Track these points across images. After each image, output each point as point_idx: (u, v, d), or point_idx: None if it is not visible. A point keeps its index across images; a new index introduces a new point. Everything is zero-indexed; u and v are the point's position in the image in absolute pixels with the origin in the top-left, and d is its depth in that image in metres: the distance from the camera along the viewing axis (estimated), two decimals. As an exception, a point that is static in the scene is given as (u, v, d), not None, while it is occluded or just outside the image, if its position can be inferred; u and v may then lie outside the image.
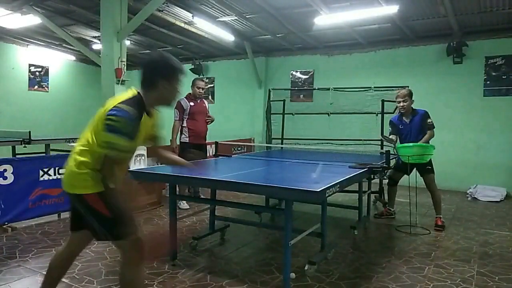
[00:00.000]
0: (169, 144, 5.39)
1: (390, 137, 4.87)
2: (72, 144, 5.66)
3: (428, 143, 4.60)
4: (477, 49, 7.16)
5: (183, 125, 5.39)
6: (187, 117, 5.38)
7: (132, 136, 1.94)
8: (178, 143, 5.49)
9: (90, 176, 2.02)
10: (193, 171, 2.54)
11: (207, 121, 5.61)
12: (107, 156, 1.94)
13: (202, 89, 5.54)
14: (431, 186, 4.67)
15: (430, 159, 4.57)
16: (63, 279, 2.47)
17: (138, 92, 2.07)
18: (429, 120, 4.67)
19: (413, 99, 4.76)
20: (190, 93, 5.51)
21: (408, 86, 5.39)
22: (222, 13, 6.81)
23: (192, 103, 5.41)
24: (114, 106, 1.94)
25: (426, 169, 4.62)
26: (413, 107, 4.77)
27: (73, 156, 2.08)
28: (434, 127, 4.66)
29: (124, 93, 2.08)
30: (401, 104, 4.71)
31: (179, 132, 5.46)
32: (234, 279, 3.05)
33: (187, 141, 5.37)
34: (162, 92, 2.07)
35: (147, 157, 5.24)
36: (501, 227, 4.80)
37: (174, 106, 5.39)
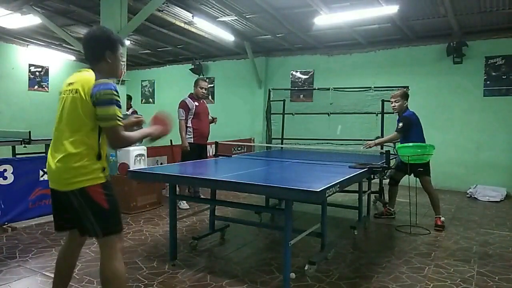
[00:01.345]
0: (180, 143, 5.41)
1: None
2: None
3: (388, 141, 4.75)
4: (477, 49, 7.16)
5: (188, 125, 5.38)
6: (191, 117, 5.37)
7: (121, 105, 2.05)
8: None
9: (93, 166, 2.02)
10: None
11: (212, 121, 5.64)
12: (111, 130, 2.00)
13: (205, 89, 5.55)
14: (427, 187, 4.68)
15: (428, 161, 4.57)
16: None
17: (91, 69, 2.12)
18: (399, 124, 4.72)
19: (407, 100, 4.81)
20: (192, 93, 5.51)
21: (408, 86, 5.41)
22: (222, 13, 6.81)
23: (196, 103, 5.41)
24: (96, 84, 1.99)
25: (418, 171, 4.62)
26: (408, 108, 4.81)
27: (62, 152, 2.00)
28: (400, 131, 4.68)
29: (79, 74, 2.09)
30: (392, 104, 4.85)
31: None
32: (234, 279, 3.05)
33: (192, 141, 5.37)
34: (109, 64, 2.16)
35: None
36: (501, 227, 4.80)
37: (178, 106, 5.40)
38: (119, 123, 2.01)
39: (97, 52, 2.15)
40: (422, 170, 4.60)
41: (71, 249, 2.28)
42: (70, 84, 2.09)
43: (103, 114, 1.98)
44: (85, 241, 2.31)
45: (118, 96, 2.03)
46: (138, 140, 2.22)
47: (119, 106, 2.03)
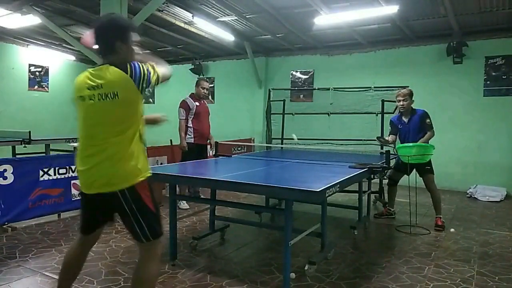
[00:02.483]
0: (178, 143, 5.41)
1: (387, 138, 4.89)
2: (73, 144, 5.66)
3: (428, 143, 4.60)
4: (477, 49, 7.16)
5: (188, 125, 5.37)
6: (192, 116, 5.37)
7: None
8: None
9: (141, 158, 2.02)
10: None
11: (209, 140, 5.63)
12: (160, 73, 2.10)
13: (206, 89, 5.56)
14: (431, 186, 4.67)
15: (430, 159, 4.57)
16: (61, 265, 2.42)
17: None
18: (428, 120, 4.66)
19: (413, 99, 4.77)
20: (193, 93, 5.51)
21: (408, 86, 5.40)
22: (222, 13, 6.81)
23: (197, 103, 5.41)
24: (130, 71, 1.94)
25: (425, 170, 4.62)
26: (413, 107, 4.78)
27: (107, 153, 1.94)
28: (433, 128, 4.65)
29: (105, 75, 1.95)
30: (401, 103, 4.72)
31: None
32: (234, 279, 3.05)
33: (192, 141, 5.37)
34: (121, 54, 2.02)
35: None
36: (501, 227, 4.80)
37: (179, 105, 5.40)
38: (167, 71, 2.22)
39: (106, 44, 2.03)
40: (429, 168, 4.60)
41: (84, 250, 2.25)
42: (95, 87, 1.94)
43: (156, 78, 2.06)
44: (96, 242, 2.32)
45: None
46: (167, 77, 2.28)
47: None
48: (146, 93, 1.99)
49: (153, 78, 2.03)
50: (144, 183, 2.01)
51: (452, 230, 4.17)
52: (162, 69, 2.18)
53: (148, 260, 2.06)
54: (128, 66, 1.95)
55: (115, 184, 1.95)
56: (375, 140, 5.21)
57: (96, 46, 2.07)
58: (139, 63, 2.00)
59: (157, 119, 2.44)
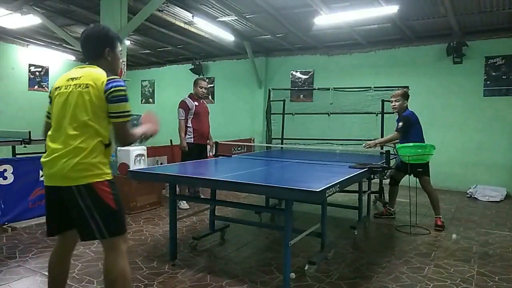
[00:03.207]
0: (178, 143, 5.41)
1: (370, 142, 4.92)
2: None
3: (398, 143, 4.67)
4: (477, 49, 7.16)
5: (188, 125, 5.37)
6: (191, 116, 5.37)
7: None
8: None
9: (101, 162, 2.02)
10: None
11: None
12: (122, 125, 2.04)
13: (205, 88, 5.56)
14: (426, 187, 4.68)
15: (428, 161, 4.57)
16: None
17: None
18: (399, 123, 4.71)
19: (407, 100, 4.82)
20: (192, 93, 5.51)
21: (408, 86, 5.41)
22: (222, 13, 6.81)
23: (196, 103, 5.41)
24: (109, 80, 2.02)
25: (417, 171, 4.62)
26: (408, 107, 4.82)
27: (69, 146, 1.96)
28: (400, 131, 4.66)
29: (85, 70, 2.08)
30: (393, 103, 4.86)
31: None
32: (234, 279, 3.04)
33: (192, 141, 5.37)
34: (109, 61, 2.17)
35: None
36: (501, 227, 4.80)
37: (178, 106, 5.40)
38: (129, 119, 2.07)
39: (96, 50, 2.16)
40: (421, 170, 4.60)
41: (64, 255, 2.20)
42: (73, 79, 2.06)
43: (117, 111, 2.01)
44: (75, 245, 2.25)
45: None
46: (139, 138, 2.22)
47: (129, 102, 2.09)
48: (112, 112, 2.03)
49: (123, 107, 2.03)
50: (103, 183, 2.00)
51: (454, 236, 4.12)
52: (134, 131, 2.16)
53: (115, 259, 2.03)
54: (109, 76, 2.04)
55: (72, 179, 1.95)
56: (375, 140, 5.22)
57: (84, 51, 2.20)
58: (121, 84, 2.05)
59: (154, 131, 2.30)
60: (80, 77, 2.05)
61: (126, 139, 2.12)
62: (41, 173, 4.38)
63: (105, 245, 2.07)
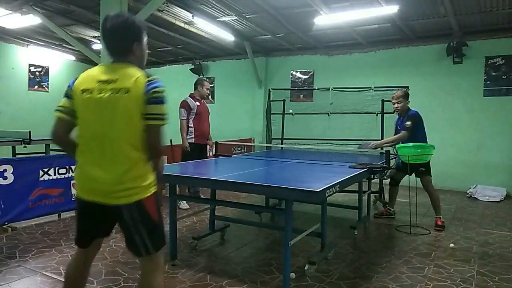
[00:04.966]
0: (180, 143, 5.41)
1: (370, 145, 4.93)
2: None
3: (399, 142, 4.62)
4: (477, 49, 7.16)
5: (189, 125, 5.38)
6: (193, 116, 5.38)
7: None
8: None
9: (149, 172, 1.85)
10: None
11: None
12: (157, 129, 1.82)
13: (208, 89, 5.59)
14: (428, 187, 4.68)
15: (429, 161, 4.57)
16: (63, 279, 2.44)
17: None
18: (407, 123, 4.65)
19: (409, 99, 4.80)
20: (192, 93, 5.51)
21: (408, 86, 5.41)
22: (222, 13, 6.81)
23: (198, 103, 5.42)
24: (150, 81, 1.81)
25: (420, 171, 4.62)
26: (410, 107, 4.81)
27: (118, 161, 1.78)
28: (407, 130, 4.61)
29: (121, 71, 1.83)
30: (395, 105, 4.81)
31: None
32: (234, 279, 3.04)
33: (193, 141, 5.37)
34: (136, 56, 1.94)
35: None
36: (501, 227, 4.80)
37: (180, 105, 5.40)
38: (166, 123, 1.86)
39: (124, 45, 1.90)
40: (424, 169, 4.59)
41: (87, 263, 2.07)
42: (109, 81, 1.80)
43: (155, 112, 1.80)
44: (98, 250, 2.14)
45: None
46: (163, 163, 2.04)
47: None
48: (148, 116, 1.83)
49: (163, 108, 1.84)
50: (152, 196, 1.86)
51: (451, 245, 4.05)
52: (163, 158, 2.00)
53: (153, 272, 1.90)
54: (149, 75, 1.85)
55: (120, 197, 1.78)
56: (375, 140, 5.22)
57: (109, 46, 1.93)
58: (162, 85, 1.87)
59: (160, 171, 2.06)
60: (116, 80, 1.80)
61: (159, 144, 1.86)
62: (41, 173, 4.38)
63: (145, 260, 1.90)
